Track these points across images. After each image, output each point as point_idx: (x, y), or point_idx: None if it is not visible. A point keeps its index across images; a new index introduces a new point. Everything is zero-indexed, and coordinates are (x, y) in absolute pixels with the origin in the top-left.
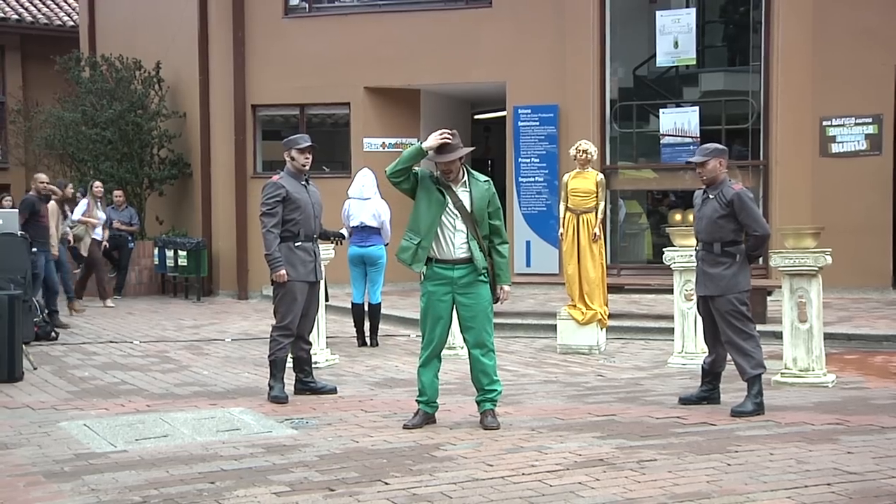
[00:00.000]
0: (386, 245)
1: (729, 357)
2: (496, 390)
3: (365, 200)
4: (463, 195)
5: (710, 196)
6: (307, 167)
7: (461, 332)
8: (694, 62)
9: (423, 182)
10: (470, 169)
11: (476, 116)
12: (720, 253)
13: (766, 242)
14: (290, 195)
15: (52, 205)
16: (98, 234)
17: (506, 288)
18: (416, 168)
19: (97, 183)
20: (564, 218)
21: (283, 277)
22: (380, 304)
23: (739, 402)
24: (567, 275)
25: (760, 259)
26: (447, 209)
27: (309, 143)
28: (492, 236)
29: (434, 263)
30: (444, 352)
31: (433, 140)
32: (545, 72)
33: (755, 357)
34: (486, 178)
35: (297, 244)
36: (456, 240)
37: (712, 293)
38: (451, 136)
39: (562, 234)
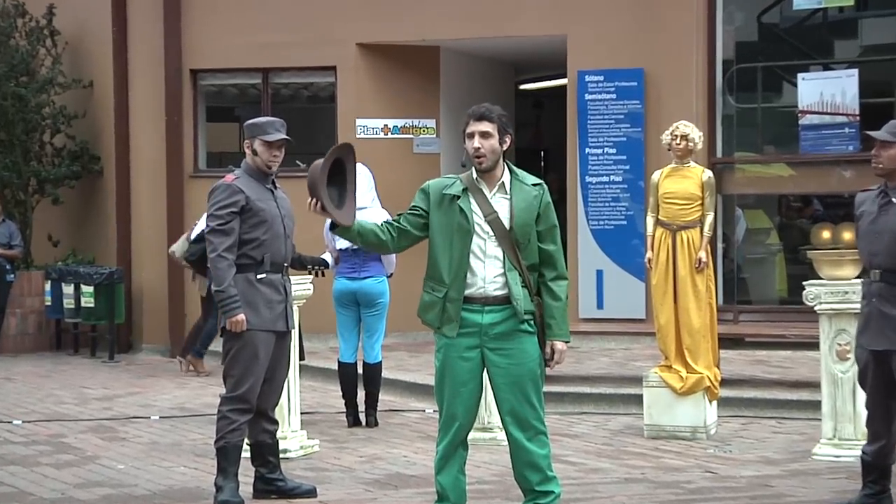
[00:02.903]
0: (389, 277)
1: None
2: (552, 493)
3: (358, 212)
4: (500, 204)
5: (894, 199)
6: (275, 167)
7: (497, 405)
8: (851, 2)
9: (436, 206)
10: (514, 167)
11: (522, 87)
12: None
13: None
14: (250, 204)
15: None
16: None
17: (559, 346)
18: (426, 187)
19: None
20: (654, 236)
21: (239, 324)
22: (380, 363)
23: None
24: (659, 322)
25: None
26: (476, 227)
27: (282, 136)
28: (542, 268)
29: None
30: (475, 434)
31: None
32: (624, 20)
33: None
34: (538, 181)
35: (260, 276)
36: (487, 270)
37: (893, 347)
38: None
39: (650, 261)
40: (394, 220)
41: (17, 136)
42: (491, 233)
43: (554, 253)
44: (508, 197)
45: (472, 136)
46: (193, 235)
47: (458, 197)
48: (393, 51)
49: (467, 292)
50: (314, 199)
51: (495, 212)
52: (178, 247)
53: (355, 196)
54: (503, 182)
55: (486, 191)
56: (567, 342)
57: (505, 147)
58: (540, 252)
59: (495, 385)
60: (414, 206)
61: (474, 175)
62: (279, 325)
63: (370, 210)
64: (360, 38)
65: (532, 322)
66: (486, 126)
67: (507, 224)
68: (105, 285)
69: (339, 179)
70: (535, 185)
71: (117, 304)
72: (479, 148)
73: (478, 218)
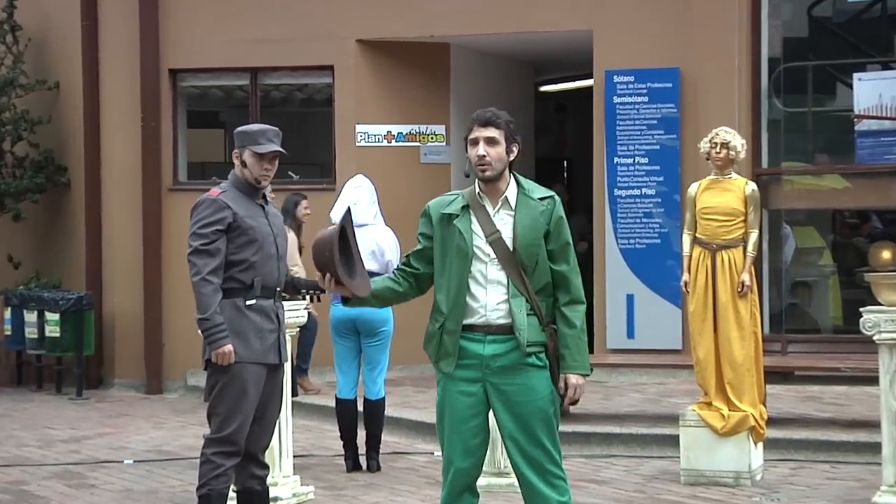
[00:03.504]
0: None
1: None
2: None
3: (358, 229)
4: (503, 222)
5: None
6: (267, 181)
7: (505, 449)
8: None
9: (437, 228)
10: (522, 178)
11: (543, 88)
12: None
13: None
14: (238, 222)
15: None
16: None
17: (573, 380)
18: (427, 209)
19: None
20: (692, 257)
21: (225, 356)
22: (383, 400)
23: None
24: (697, 354)
25: None
26: (476, 249)
27: (275, 148)
28: (556, 291)
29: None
30: (489, 480)
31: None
32: (657, 14)
33: None
34: (547, 194)
35: (249, 302)
36: (489, 296)
37: None
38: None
39: (687, 284)
40: (404, 265)
41: None
42: (493, 255)
43: (567, 274)
44: (512, 212)
45: (475, 142)
46: None
47: (457, 216)
48: (397, 48)
49: (469, 321)
50: (327, 275)
51: (498, 231)
52: None
53: (362, 261)
54: (507, 197)
55: (489, 207)
56: (586, 375)
57: (512, 157)
58: (552, 273)
59: (501, 425)
60: (420, 236)
61: (477, 189)
62: (271, 356)
63: (372, 227)
64: (360, 33)
65: (542, 355)
66: (492, 132)
67: (510, 245)
68: (72, 312)
69: (343, 245)
70: (543, 198)
71: (86, 333)
72: (483, 155)
73: (478, 239)
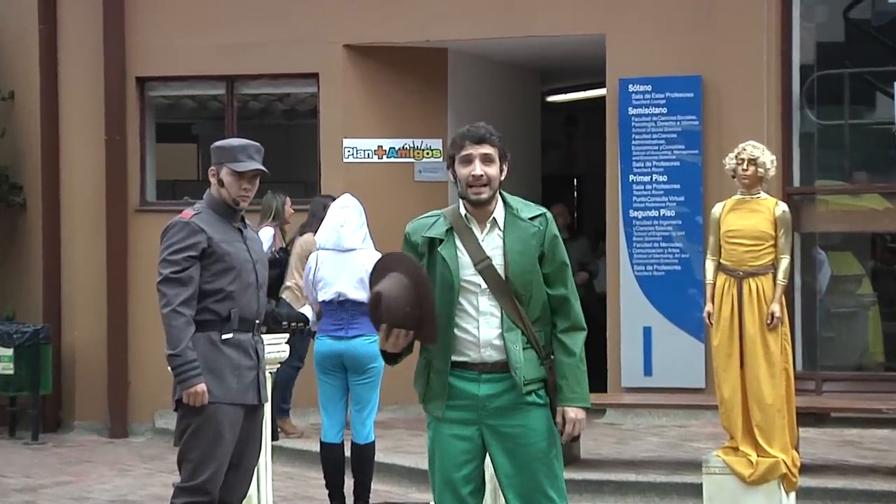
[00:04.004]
0: None
1: None
2: None
3: (345, 254)
4: (493, 246)
5: None
6: (246, 202)
7: (504, 496)
8: None
9: (424, 254)
10: (509, 196)
11: (550, 99)
12: None
13: None
14: (214, 247)
15: None
16: None
17: (571, 413)
18: (407, 234)
19: None
20: (716, 285)
21: (198, 396)
22: (373, 444)
23: None
24: (722, 393)
25: None
26: (463, 280)
27: (256, 166)
28: (554, 317)
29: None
30: None
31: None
32: (677, 16)
33: None
34: (538, 212)
35: (226, 336)
36: (482, 330)
37: None
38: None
39: (710, 316)
40: None
41: None
42: (484, 285)
43: (566, 297)
44: (501, 235)
45: (469, 160)
46: None
47: (441, 241)
48: (389, 54)
49: (461, 358)
50: (396, 332)
51: (488, 258)
52: None
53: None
54: (495, 218)
55: (476, 230)
56: (586, 408)
57: (503, 176)
58: (549, 299)
59: (499, 472)
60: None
61: (462, 210)
62: (249, 396)
63: (360, 253)
64: (348, 37)
65: (542, 391)
66: (487, 149)
67: (502, 273)
68: (27, 347)
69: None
70: (533, 217)
71: (43, 370)
72: (480, 175)
73: (466, 268)
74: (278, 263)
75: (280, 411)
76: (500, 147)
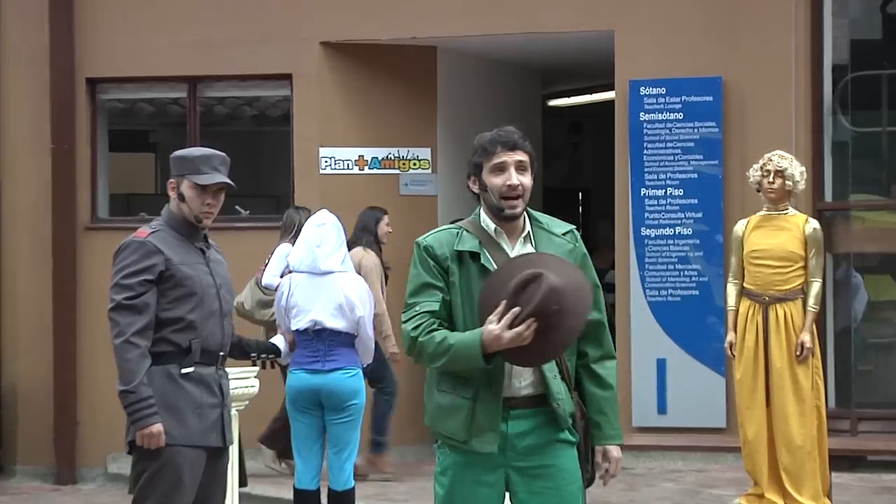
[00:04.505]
0: (365, 370)
1: None
2: None
3: (322, 277)
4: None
5: None
6: (210, 219)
7: None
8: None
9: (454, 271)
10: (535, 214)
11: (553, 103)
12: None
13: None
14: (172, 270)
15: None
16: None
17: (614, 452)
18: (428, 249)
19: None
20: (739, 312)
21: (154, 438)
22: (352, 490)
23: None
24: (745, 433)
25: None
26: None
27: (221, 179)
28: (583, 345)
29: None
30: None
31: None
32: (694, 12)
33: None
34: (568, 227)
35: (186, 370)
36: None
37: None
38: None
39: (732, 346)
40: (430, 323)
41: None
42: None
43: (599, 323)
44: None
45: (502, 168)
46: (269, 278)
47: (478, 255)
48: (372, 53)
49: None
50: (529, 324)
51: None
52: (247, 296)
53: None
54: (527, 233)
55: (506, 246)
56: (620, 444)
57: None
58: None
59: None
60: (428, 290)
61: (489, 223)
62: (212, 438)
63: (339, 276)
64: (325, 34)
65: (574, 429)
66: (521, 156)
67: None
68: None
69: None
70: (565, 233)
71: None
72: (517, 185)
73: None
74: None
75: (376, 446)
76: (531, 154)
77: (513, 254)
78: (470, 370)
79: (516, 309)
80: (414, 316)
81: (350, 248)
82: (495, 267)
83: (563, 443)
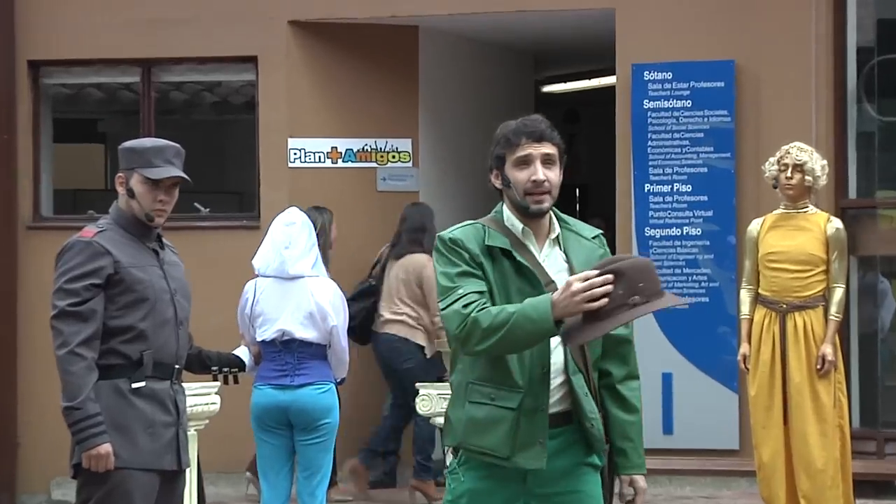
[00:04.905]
0: (340, 384)
1: None
2: None
3: (290, 282)
4: (556, 268)
5: None
6: (163, 217)
7: None
8: None
9: (487, 265)
10: (562, 215)
11: (547, 89)
12: None
13: None
14: (122, 273)
15: None
16: None
17: (641, 483)
18: (456, 240)
19: None
20: (753, 321)
21: (102, 460)
22: None
23: None
24: (761, 456)
25: None
26: None
27: (175, 173)
28: (606, 362)
29: None
30: None
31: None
32: None
33: None
34: (596, 231)
35: (137, 385)
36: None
37: None
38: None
39: (746, 359)
40: (482, 302)
41: None
42: None
43: (626, 340)
44: (565, 257)
45: (527, 162)
46: None
47: (510, 252)
48: (346, 33)
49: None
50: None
51: (552, 281)
52: None
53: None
54: (557, 236)
55: (533, 248)
56: (644, 473)
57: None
58: (604, 339)
59: None
60: (463, 267)
61: (514, 222)
62: (166, 461)
63: (310, 281)
64: (294, 12)
65: (602, 453)
66: (549, 148)
67: None
68: None
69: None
70: (594, 237)
71: None
72: (543, 181)
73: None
74: (370, 293)
75: (421, 470)
76: (561, 146)
77: (540, 257)
78: (507, 373)
79: (602, 275)
80: (461, 297)
81: (400, 252)
82: (529, 265)
83: (590, 467)
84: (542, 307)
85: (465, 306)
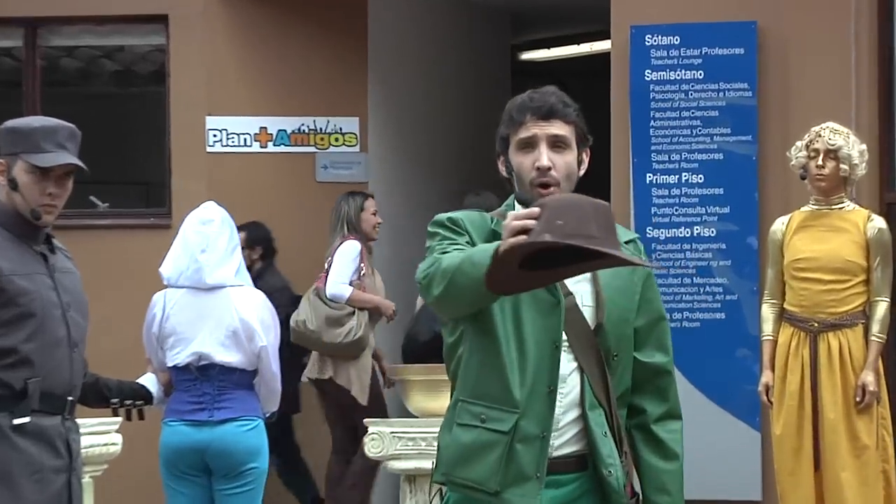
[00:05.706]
0: (269, 419)
1: None
2: None
3: (208, 294)
4: (575, 277)
5: None
6: (53, 214)
7: None
8: None
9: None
10: None
11: (526, 56)
12: None
13: None
14: (3, 283)
15: None
16: None
17: None
18: (456, 219)
19: None
20: (778, 342)
21: None
22: None
23: None
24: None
25: None
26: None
27: (68, 160)
28: (638, 397)
29: None
30: None
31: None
32: None
33: None
34: (631, 236)
35: (19, 420)
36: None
37: None
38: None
39: (769, 389)
40: (455, 248)
41: None
42: (562, 336)
43: (664, 370)
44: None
45: (531, 144)
46: (335, 286)
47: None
48: None
49: None
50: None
51: (570, 293)
52: (308, 313)
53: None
54: None
55: None
56: None
57: (582, 171)
58: (637, 369)
59: None
60: (457, 244)
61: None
62: None
63: (232, 292)
64: None
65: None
66: (560, 128)
67: (590, 317)
68: None
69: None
70: (627, 242)
71: None
72: (548, 167)
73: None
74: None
75: None
76: (578, 125)
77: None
78: (502, 390)
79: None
80: (445, 251)
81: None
82: None
83: None
84: (488, 250)
85: (442, 253)
